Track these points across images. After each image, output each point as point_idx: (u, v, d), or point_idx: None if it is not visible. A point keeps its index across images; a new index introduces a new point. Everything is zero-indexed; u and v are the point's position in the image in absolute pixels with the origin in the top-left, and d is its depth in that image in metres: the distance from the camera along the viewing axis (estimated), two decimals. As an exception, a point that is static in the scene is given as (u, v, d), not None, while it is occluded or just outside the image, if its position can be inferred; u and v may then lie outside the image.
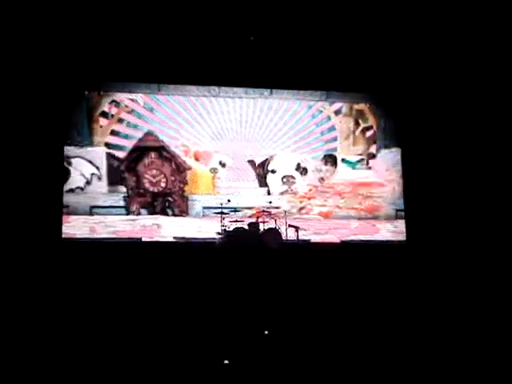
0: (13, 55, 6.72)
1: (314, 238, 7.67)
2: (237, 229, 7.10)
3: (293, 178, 8.00)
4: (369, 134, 8.28)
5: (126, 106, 7.69)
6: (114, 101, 7.66)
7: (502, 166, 7.23)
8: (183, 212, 7.60)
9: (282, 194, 7.92)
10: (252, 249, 6.92)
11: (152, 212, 7.49)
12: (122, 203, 7.43)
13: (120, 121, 7.68)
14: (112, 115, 7.66)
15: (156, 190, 7.60)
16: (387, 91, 8.21)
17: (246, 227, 7.13)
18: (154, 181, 7.63)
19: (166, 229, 7.44)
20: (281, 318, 5.93)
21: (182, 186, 7.72)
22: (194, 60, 7.47)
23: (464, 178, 7.48)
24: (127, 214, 7.42)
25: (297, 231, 7.19)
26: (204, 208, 7.62)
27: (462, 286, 6.48)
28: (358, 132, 8.27)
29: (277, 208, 7.53)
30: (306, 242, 7.47)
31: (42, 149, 6.90)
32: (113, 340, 5.43)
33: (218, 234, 7.14)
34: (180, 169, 7.77)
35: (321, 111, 8.24)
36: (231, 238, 7.01)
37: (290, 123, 8.06)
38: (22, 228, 6.52)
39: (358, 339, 5.75)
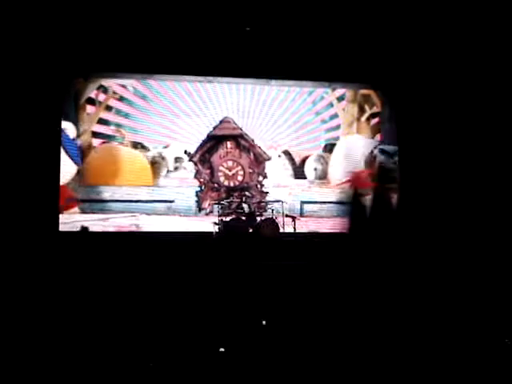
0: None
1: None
2: (234, 219, 7.12)
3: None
4: (374, 121, 8.11)
5: (115, 93, 7.48)
6: (101, 86, 7.44)
7: (501, 166, 7.26)
8: (261, 209, 7.30)
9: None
10: (249, 239, 6.95)
11: (226, 210, 7.03)
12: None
13: (108, 108, 7.47)
14: (100, 102, 7.44)
15: (232, 184, 7.25)
16: (390, 84, 8.10)
17: (244, 218, 7.15)
18: (231, 174, 7.27)
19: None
20: (278, 309, 5.96)
21: (260, 179, 7.48)
22: (189, 51, 7.38)
23: (462, 178, 7.49)
24: (199, 211, 7.15)
25: (294, 221, 7.21)
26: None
27: (459, 284, 6.53)
28: (363, 119, 8.08)
29: (278, 201, 7.48)
30: (303, 232, 7.49)
31: (36, 139, 6.86)
32: (110, 332, 5.44)
33: (215, 224, 7.16)
34: (259, 160, 7.49)
35: (322, 97, 8.11)
36: (228, 228, 7.03)
37: (289, 111, 7.95)
38: (18, 222, 6.51)
39: (356, 331, 5.78)
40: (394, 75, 7.96)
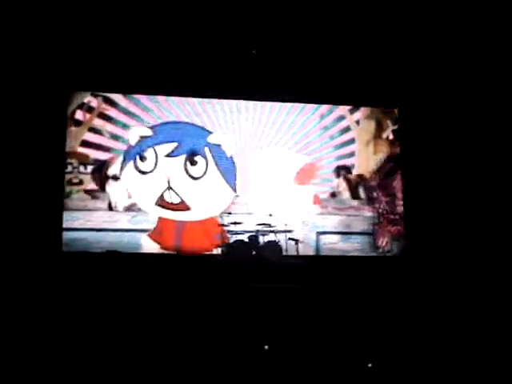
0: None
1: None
2: (237, 241, 7.10)
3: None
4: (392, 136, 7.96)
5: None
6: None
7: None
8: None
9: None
10: (251, 261, 6.93)
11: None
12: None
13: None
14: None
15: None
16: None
17: (247, 240, 7.13)
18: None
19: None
20: (281, 333, 5.93)
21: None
22: (197, 73, 7.47)
23: (465, 184, 7.49)
24: (375, 248, 6.82)
25: (297, 244, 7.19)
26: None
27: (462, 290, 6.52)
28: (382, 135, 7.99)
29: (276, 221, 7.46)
30: (306, 255, 7.46)
31: (40, 154, 6.89)
32: (112, 356, 5.42)
33: (218, 246, 7.14)
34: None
35: (331, 111, 8.02)
36: (231, 250, 7.01)
37: (294, 126, 7.88)
38: (21, 241, 6.51)
39: (359, 354, 5.75)
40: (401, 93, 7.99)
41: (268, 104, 7.85)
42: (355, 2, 6.71)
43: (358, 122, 8.04)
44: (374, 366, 5.49)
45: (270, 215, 7.36)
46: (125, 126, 7.50)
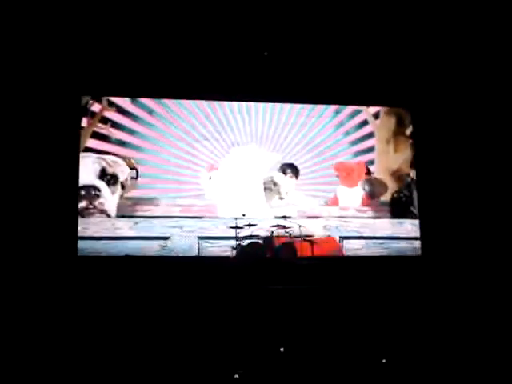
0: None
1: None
2: (251, 243, 7.07)
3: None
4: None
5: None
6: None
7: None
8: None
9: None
10: (266, 263, 6.90)
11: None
12: None
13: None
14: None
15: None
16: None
17: (261, 242, 7.10)
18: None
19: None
20: (296, 335, 5.89)
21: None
22: (208, 75, 7.47)
23: (481, 184, 7.41)
24: None
25: (311, 245, 7.14)
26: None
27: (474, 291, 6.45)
28: (402, 134, 7.93)
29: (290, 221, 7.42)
30: (321, 257, 7.41)
31: (54, 160, 6.89)
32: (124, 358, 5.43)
33: (233, 248, 7.12)
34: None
35: (352, 116, 8.01)
36: (246, 252, 6.98)
37: (310, 133, 7.86)
38: (36, 247, 6.55)
39: (374, 356, 5.69)
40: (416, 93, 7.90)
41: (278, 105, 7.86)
42: (366, 2, 6.66)
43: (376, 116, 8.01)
44: (389, 363, 5.43)
45: (285, 217, 7.33)
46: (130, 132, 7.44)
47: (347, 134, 7.96)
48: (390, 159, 7.94)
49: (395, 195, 7.88)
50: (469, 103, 7.57)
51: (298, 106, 7.86)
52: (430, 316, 6.22)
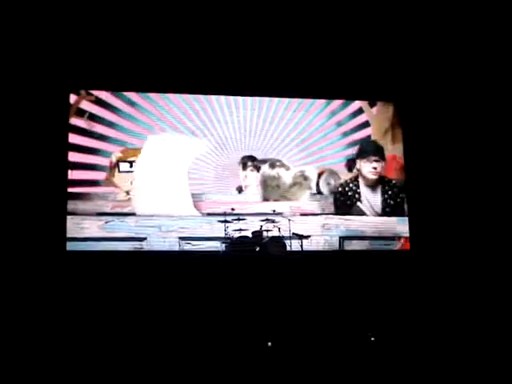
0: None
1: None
2: (241, 237, 7.07)
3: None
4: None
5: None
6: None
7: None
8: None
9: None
10: (256, 257, 6.91)
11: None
12: None
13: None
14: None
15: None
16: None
17: (250, 236, 7.10)
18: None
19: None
20: (284, 329, 5.91)
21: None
22: (200, 69, 7.38)
23: (470, 181, 7.41)
24: None
25: (301, 239, 7.14)
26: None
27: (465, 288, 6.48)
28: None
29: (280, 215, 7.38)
30: (311, 251, 7.40)
31: (42, 154, 6.76)
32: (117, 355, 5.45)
33: (222, 242, 7.12)
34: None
35: (345, 105, 7.86)
36: (235, 247, 6.99)
37: (301, 124, 7.70)
38: (25, 242, 6.50)
39: (363, 349, 5.72)
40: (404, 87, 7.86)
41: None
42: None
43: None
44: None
45: (274, 211, 7.33)
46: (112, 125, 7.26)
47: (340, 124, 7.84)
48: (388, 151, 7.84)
49: (341, 189, 7.74)
50: (457, 97, 7.56)
51: (286, 100, 7.76)
52: (419, 310, 6.27)
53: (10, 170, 6.53)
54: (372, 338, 5.63)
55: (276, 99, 7.73)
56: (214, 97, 7.60)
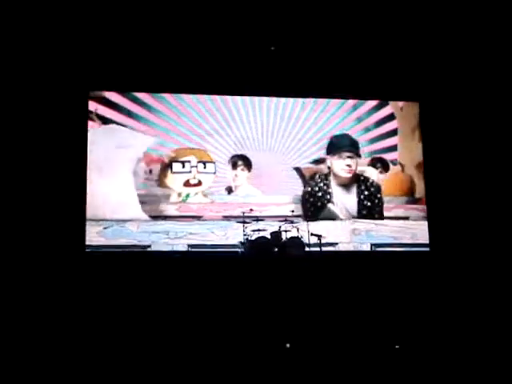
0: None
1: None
2: (259, 238, 7.04)
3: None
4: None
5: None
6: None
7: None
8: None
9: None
10: (275, 258, 6.87)
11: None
12: None
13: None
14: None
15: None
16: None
17: (269, 236, 7.07)
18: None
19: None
20: (303, 331, 5.87)
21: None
22: (217, 71, 7.42)
23: (489, 181, 7.30)
24: None
25: (319, 239, 7.08)
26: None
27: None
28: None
29: (299, 216, 7.37)
30: (329, 251, 7.34)
31: (62, 156, 6.88)
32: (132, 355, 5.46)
33: (241, 243, 7.10)
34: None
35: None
36: (254, 247, 6.96)
37: (321, 120, 7.58)
38: (44, 243, 6.60)
39: (384, 352, 5.65)
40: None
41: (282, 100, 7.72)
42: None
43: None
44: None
45: (292, 211, 7.29)
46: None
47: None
48: (414, 149, 7.65)
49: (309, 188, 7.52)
50: (479, 96, 7.44)
51: (301, 100, 7.72)
52: (438, 310, 6.17)
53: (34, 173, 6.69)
54: (396, 346, 5.53)
55: (291, 100, 7.72)
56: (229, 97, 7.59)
